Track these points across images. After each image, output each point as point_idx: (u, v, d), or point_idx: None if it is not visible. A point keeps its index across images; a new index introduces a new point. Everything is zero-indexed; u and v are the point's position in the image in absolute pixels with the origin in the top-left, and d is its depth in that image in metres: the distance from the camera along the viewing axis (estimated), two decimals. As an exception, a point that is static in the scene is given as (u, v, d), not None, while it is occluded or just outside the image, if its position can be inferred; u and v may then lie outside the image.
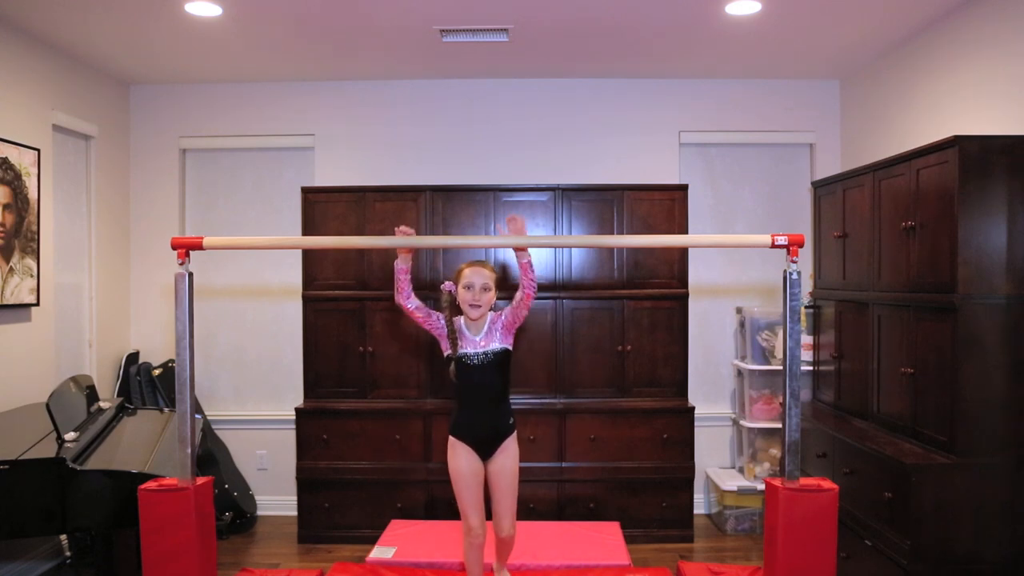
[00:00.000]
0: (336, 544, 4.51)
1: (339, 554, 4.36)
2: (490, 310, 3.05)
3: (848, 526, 3.48)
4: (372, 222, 4.64)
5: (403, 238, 2.88)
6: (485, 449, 3.03)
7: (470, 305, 2.98)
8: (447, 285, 3.08)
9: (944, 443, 3.13)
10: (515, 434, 3.08)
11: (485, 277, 3.00)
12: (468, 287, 2.98)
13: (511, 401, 3.12)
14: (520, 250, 2.93)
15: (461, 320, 3.08)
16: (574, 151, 5.08)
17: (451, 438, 3.05)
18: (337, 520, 4.57)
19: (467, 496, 3.01)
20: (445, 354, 3.06)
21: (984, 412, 3.05)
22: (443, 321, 3.02)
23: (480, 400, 3.03)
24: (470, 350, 3.01)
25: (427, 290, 4.57)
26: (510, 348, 3.05)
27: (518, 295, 2.96)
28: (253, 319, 5.22)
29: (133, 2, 3.67)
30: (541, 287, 4.61)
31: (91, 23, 3.95)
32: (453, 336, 3.01)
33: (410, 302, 2.98)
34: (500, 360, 3.01)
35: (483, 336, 3.02)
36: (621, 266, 4.65)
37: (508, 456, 3.04)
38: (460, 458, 3.02)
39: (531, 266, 2.93)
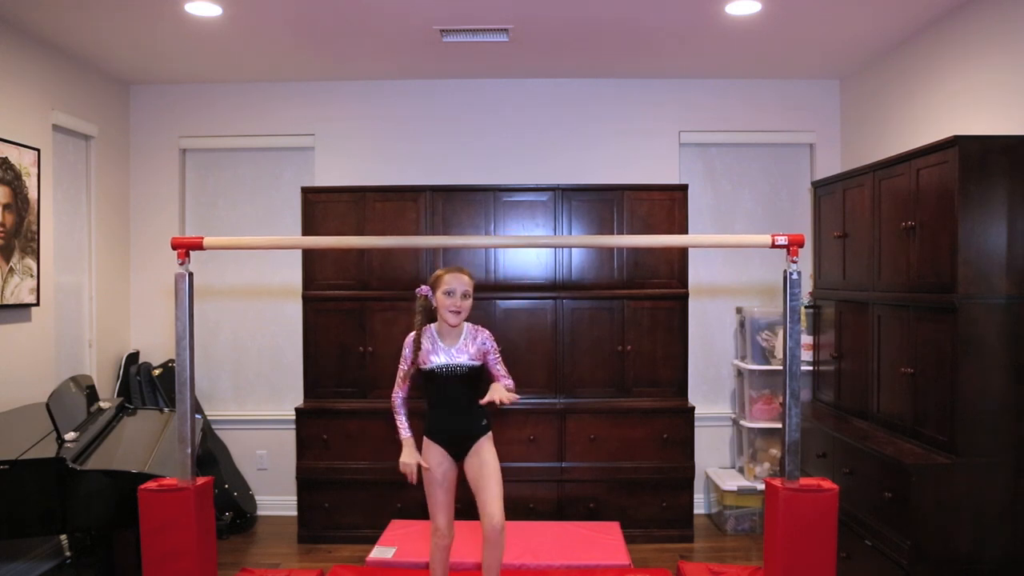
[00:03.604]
0: (336, 544, 4.51)
1: (339, 554, 4.36)
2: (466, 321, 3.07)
3: (848, 526, 3.48)
4: (372, 222, 4.63)
5: (401, 238, 2.89)
6: (456, 450, 3.04)
7: (450, 311, 2.97)
8: (423, 289, 3.06)
9: (944, 443, 3.13)
10: (490, 435, 3.07)
11: (465, 284, 3.00)
12: (449, 293, 2.97)
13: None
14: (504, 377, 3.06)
15: (433, 328, 3.06)
16: (574, 151, 5.08)
17: (424, 439, 3.07)
18: (337, 520, 4.57)
19: (437, 495, 3.03)
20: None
21: (984, 412, 3.05)
22: (409, 362, 3.05)
23: (450, 406, 3.04)
24: (442, 362, 3.01)
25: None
26: (481, 365, 3.07)
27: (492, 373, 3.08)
28: (253, 319, 5.21)
29: (133, 2, 3.67)
30: (541, 287, 4.62)
31: (91, 23, 3.95)
32: (418, 343, 3.03)
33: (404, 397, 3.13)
34: (471, 375, 3.02)
35: (458, 347, 3.02)
36: (621, 266, 4.65)
37: (483, 449, 3.02)
38: (432, 457, 3.03)
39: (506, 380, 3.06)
